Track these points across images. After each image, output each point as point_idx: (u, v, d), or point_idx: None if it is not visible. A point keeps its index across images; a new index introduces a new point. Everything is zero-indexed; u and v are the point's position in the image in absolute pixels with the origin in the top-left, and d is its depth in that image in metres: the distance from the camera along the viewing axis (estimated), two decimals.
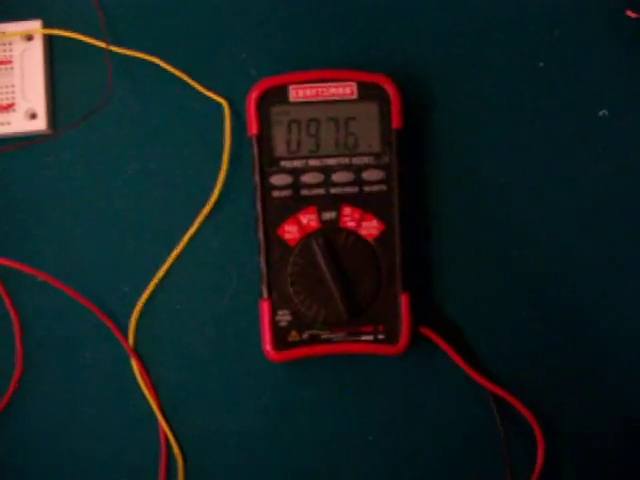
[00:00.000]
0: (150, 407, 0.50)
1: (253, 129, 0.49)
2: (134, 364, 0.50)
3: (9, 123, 0.52)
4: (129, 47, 0.52)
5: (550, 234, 0.51)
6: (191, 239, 0.51)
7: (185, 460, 0.50)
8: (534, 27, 0.52)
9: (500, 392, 0.49)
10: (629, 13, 0.52)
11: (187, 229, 0.51)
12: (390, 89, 0.49)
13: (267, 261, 0.48)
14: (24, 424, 0.51)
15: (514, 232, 0.51)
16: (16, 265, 0.50)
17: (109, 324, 0.50)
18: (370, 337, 0.49)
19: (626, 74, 0.52)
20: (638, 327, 0.51)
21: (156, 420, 0.50)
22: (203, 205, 0.51)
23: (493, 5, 0.52)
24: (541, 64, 0.52)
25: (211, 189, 0.51)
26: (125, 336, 0.51)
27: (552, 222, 0.51)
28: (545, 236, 0.51)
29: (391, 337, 0.48)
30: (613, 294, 0.51)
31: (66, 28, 0.52)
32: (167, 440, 0.50)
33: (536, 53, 0.52)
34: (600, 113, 0.52)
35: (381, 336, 0.48)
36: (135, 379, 0.50)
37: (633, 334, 0.51)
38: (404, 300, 0.48)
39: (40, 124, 0.52)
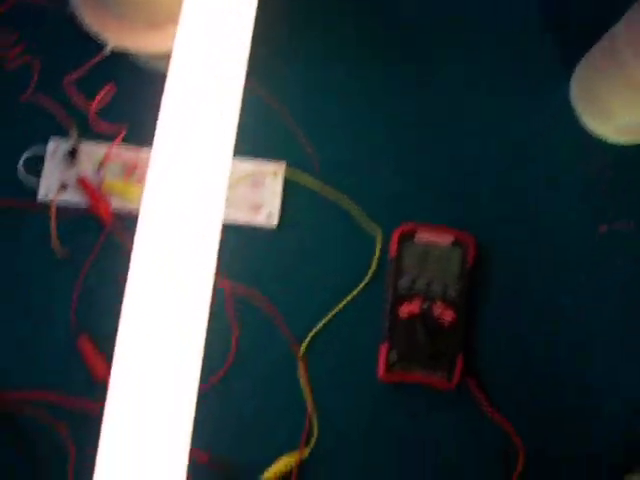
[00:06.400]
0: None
1: (393, 253, 0.88)
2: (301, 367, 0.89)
3: (257, 219, 0.92)
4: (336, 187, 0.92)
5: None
6: (347, 303, 0.90)
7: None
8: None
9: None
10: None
11: (345, 296, 0.90)
12: (470, 241, 0.88)
13: (390, 325, 0.87)
14: None
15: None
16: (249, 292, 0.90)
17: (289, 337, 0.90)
18: (437, 375, 0.86)
19: None
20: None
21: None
22: (355, 287, 0.90)
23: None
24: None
25: (361, 280, 0.90)
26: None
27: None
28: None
29: (449, 378, 0.86)
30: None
31: (296, 169, 0.93)
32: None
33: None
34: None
35: (443, 376, 0.86)
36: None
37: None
38: (460, 358, 0.86)
39: (273, 221, 0.92)
